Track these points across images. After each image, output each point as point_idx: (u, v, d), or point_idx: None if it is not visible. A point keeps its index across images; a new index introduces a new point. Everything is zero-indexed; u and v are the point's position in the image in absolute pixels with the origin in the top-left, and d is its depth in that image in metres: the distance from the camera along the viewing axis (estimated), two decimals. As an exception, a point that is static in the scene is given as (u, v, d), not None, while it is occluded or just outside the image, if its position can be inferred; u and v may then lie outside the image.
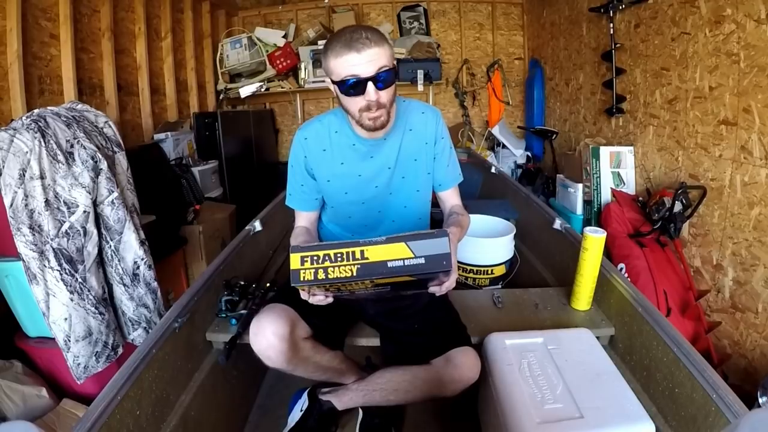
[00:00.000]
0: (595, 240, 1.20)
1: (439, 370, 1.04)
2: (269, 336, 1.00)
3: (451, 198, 1.25)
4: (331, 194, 1.21)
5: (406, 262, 0.79)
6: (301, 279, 0.80)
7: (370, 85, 0.97)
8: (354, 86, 0.98)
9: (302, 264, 0.80)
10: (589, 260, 1.22)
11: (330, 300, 0.95)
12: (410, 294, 1.05)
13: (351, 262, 0.79)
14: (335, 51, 0.98)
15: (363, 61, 0.96)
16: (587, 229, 1.23)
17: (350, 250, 0.80)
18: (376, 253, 0.80)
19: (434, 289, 0.95)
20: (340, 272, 0.79)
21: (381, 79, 0.98)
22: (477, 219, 1.85)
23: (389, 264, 0.79)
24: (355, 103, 1.02)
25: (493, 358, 1.06)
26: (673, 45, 2.11)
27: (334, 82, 1.02)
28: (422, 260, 0.79)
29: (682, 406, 0.92)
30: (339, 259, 0.79)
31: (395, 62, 1.04)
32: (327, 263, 0.79)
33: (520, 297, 1.40)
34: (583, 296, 1.28)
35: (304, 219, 1.27)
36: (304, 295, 0.94)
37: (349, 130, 1.14)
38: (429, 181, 1.22)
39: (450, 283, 0.94)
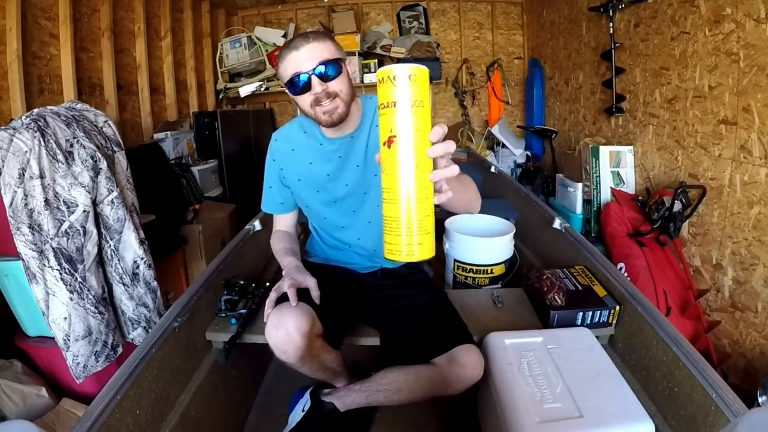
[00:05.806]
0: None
1: (444, 369, 1.03)
2: (291, 330, 0.98)
3: None
4: (303, 194, 1.22)
5: None
6: None
7: (314, 78, 0.99)
8: (299, 83, 1.00)
9: None
10: None
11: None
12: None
13: None
14: (281, 57, 1.01)
15: (303, 57, 0.98)
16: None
17: None
18: None
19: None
20: None
21: (324, 71, 0.99)
22: (476, 218, 1.85)
23: None
24: (305, 101, 1.03)
25: (493, 358, 1.06)
26: (673, 44, 2.11)
27: (286, 87, 1.03)
28: None
29: (681, 406, 0.92)
30: None
31: (344, 56, 1.05)
32: None
33: (520, 296, 1.40)
34: (583, 295, 1.28)
35: (281, 223, 1.31)
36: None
37: (317, 130, 1.16)
38: None
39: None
